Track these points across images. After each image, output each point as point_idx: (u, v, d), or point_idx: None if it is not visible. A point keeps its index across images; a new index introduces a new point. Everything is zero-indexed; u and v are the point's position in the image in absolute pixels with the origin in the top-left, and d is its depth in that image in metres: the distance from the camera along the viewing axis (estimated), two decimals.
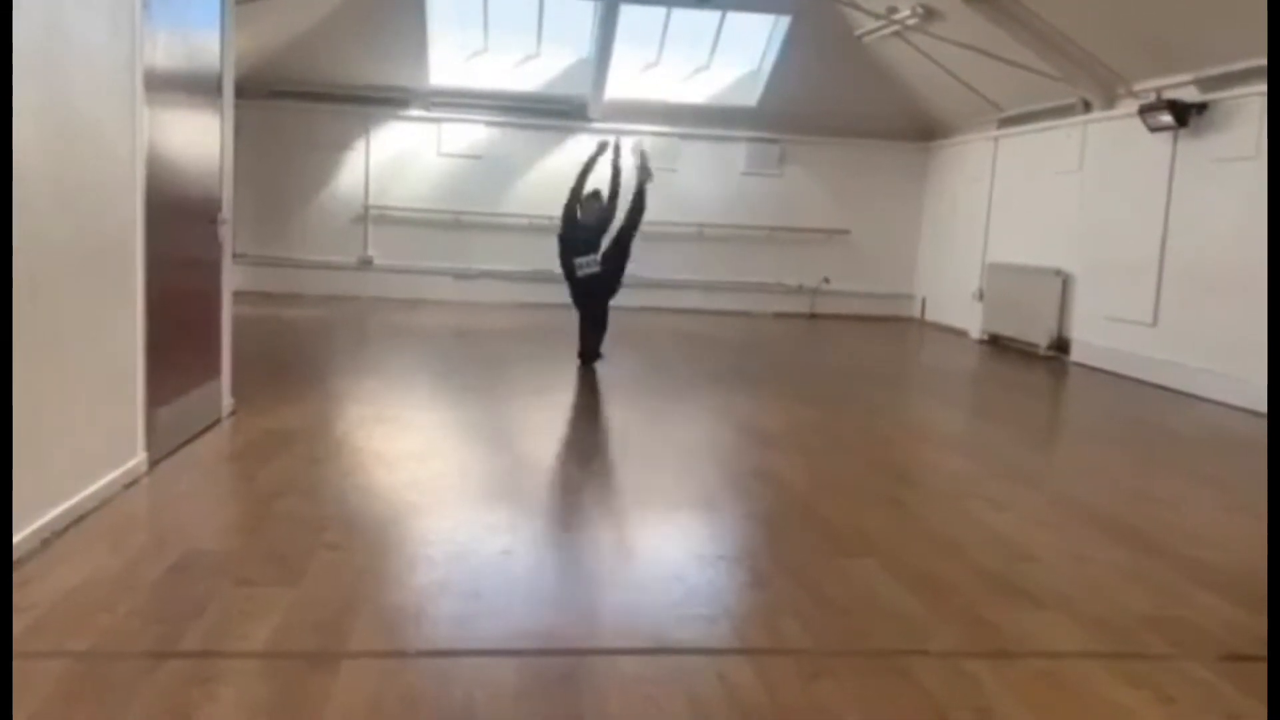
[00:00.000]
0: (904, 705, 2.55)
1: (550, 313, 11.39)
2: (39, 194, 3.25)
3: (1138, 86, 8.68)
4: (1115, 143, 9.17)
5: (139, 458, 4.16)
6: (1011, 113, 10.98)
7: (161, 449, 4.39)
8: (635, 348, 8.68)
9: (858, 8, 10.42)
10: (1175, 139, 8.26)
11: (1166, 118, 8.13)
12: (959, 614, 3.18)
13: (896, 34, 10.46)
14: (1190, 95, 8.04)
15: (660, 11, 11.63)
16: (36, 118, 3.22)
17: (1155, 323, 8.51)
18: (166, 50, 4.34)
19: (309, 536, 3.60)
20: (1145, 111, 8.37)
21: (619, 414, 6.35)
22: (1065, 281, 9.87)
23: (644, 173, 7.96)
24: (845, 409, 6.99)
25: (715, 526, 4.18)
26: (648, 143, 9.81)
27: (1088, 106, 9.57)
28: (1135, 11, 7.84)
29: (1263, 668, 2.76)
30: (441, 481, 4.69)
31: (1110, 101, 9.22)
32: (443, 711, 2.42)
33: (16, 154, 3.07)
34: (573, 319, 8.01)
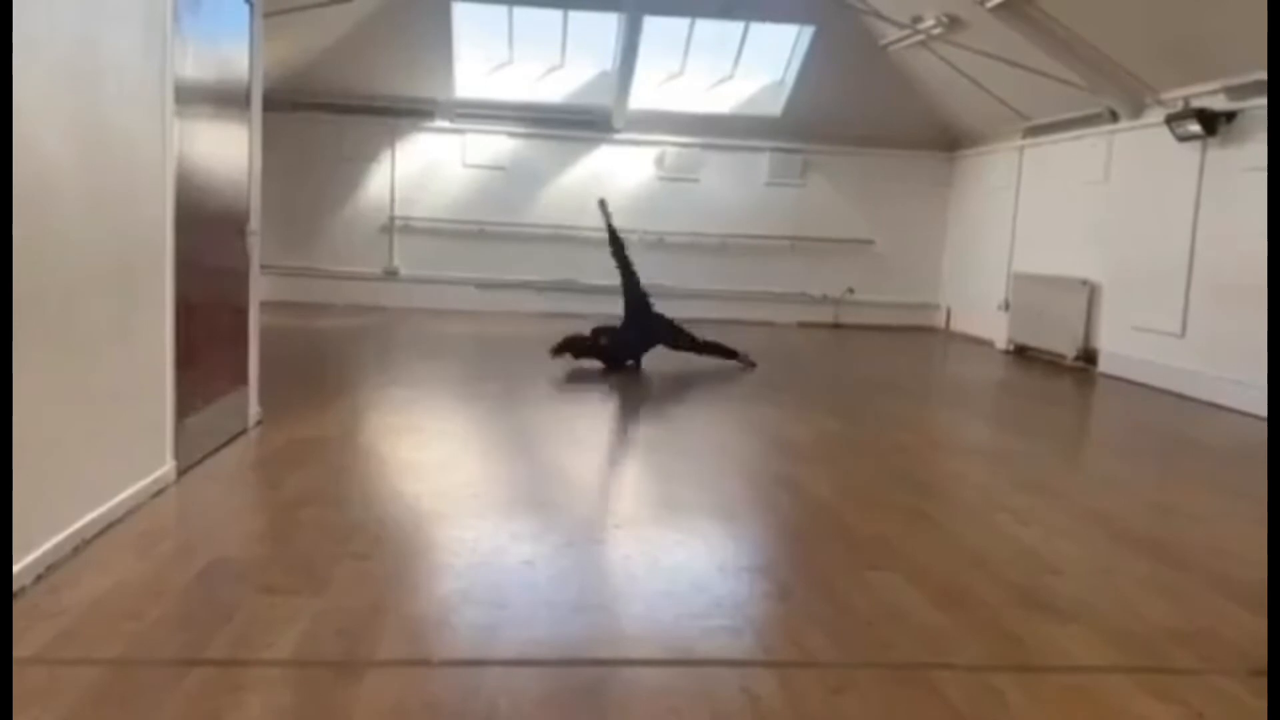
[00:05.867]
0: (929, 719, 2.54)
1: (574, 323, 11.40)
2: (71, 204, 3.30)
3: (1165, 95, 8.61)
4: (1142, 152, 9.10)
5: (167, 466, 4.20)
6: (1037, 122, 10.92)
7: (189, 458, 4.44)
8: (658, 358, 8.67)
9: (882, 17, 10.42)
10: (1204, 148, 8.18)
11: (1195, 127, 8.06)
12: (984, 627, 3.16)
13: (921, 44, 10.43)
14: (1219, 104, 7.97)
15: (684, 22, 11.66)
16: (69, 128, 3.27)
17: (1184, 333, 8.42)
18: (196, 62, 4.40)
19: (335, 545, 3.62)
20: (1173, 120, 8.30)
21: (642, 424, 6.36)
22: (1092, 292, 9.79)
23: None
24: (869, 419, 6.96)
25: (738, 537, 4.17)
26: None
27: (1114, 116, 9.50)
28: (1162, 19, 7.78)
29: None
30: (465, 491, 4.70)
31: (1137, 111, 9.16)
32: None
33: (49, 164, 3.13)
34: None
